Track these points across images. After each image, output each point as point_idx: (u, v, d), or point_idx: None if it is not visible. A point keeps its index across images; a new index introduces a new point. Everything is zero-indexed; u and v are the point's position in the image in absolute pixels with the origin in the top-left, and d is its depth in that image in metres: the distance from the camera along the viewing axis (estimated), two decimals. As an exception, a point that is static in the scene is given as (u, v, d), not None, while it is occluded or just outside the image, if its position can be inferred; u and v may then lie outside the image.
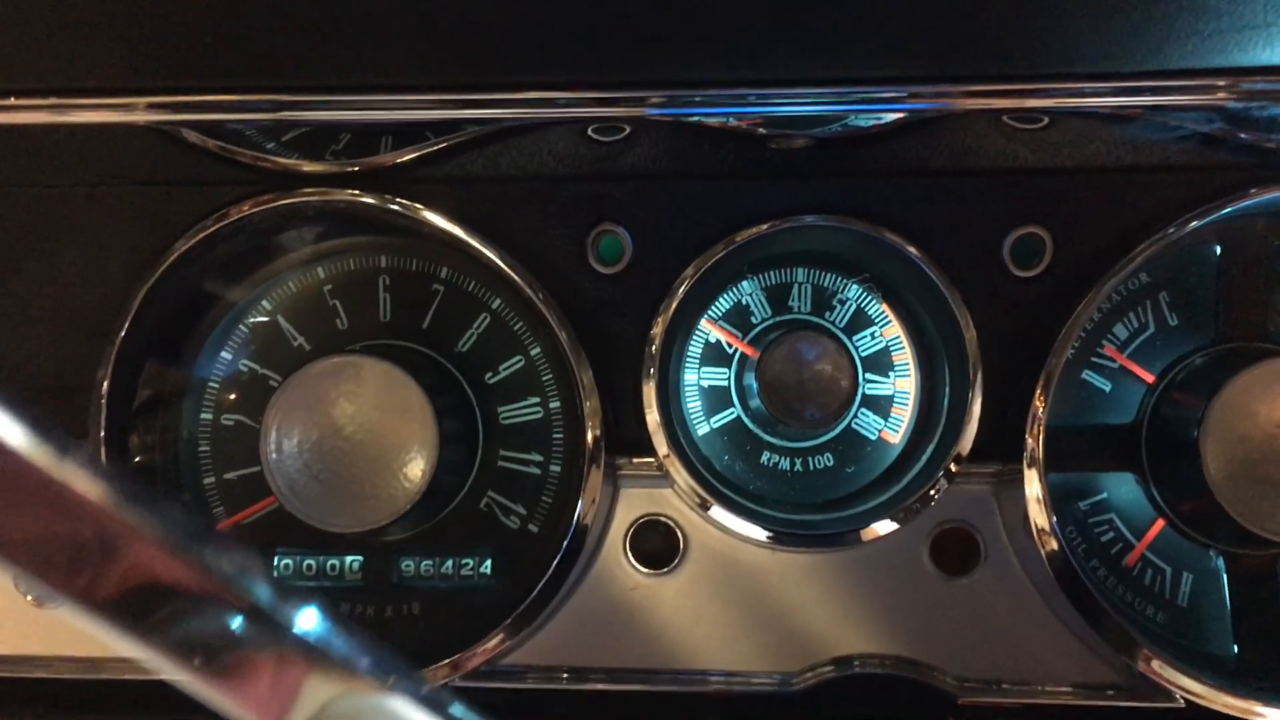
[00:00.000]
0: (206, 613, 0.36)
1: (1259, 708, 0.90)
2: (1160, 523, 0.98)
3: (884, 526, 0.96)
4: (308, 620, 0.38)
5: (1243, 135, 0.86)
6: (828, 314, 1.03)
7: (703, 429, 1.03)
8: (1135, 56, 0.73)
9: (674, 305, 0.93)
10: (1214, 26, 0.71)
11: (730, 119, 0.85)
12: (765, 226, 0.92)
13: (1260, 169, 0.90)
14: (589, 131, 0.89)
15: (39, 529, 0.33)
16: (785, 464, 1.03)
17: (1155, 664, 0.91)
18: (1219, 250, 0.98)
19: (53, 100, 0.80)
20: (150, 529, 0.34)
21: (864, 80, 0.76)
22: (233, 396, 1.03)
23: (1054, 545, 0.91)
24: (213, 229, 0.92)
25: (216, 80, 0.79)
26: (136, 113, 0.81)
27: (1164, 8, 0.72)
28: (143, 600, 0.35)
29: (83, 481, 0.33)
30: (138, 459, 0.98)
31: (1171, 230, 0.90)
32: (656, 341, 0.94)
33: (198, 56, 0.76)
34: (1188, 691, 0.92)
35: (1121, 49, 0.72)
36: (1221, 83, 0.74)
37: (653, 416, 0.94)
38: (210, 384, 1.03)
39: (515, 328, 1.02)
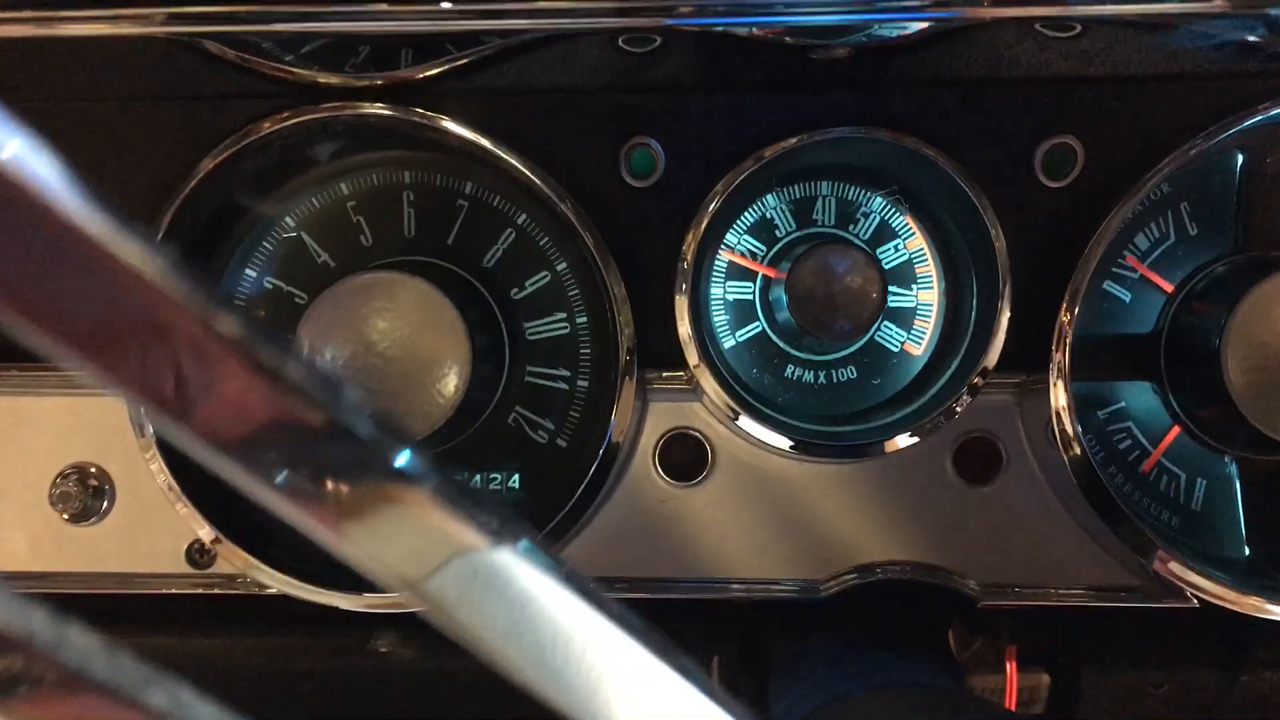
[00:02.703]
0: (316, 442, 0.34)
1: (1269, 605, 0.93)
2: (1176, 430, 1.01)
3: (907, 438, 0.98)
4: (409, 462, 0.35)
5: (1273, 47, 0.86)
6: (851, 227, 1.03)
7: (729, 343, 1.04)
8: None
9: (705, 222, 0.93)
10: None
11: (753, 29, 0.84)
12: (794, 140, 0.92)
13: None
14: (619, 42, 0.88)
15: (113, 321, 0.31)
16: (809, 377, 1.04)
17: (1171, 564, 0.94)
18: (1240, 159, 0.99)
19: (65, 13, 0.78)
20: (241, 338, 0.32)
21: None
22: (258, 314, 1.03)
23: (1077, 450, 0.93)
24: (241, 144, 0.91)
25: None
26: (155, 25, 0.80)
27: None
28: (241, 426, 0.33)
29: (160, 274, 0.31)
30: (170, 377, 0.98)
31: (1200, 140, 0.90)
32: (689, 257, 0.94)
33: None
34: (1201, 590, 0.95)
35: None
36: None
37: (684, 328, 0.95)
38: (235, 301, 1.03)
39: (541, 243, 1.02)
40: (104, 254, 0.31)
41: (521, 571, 0.37)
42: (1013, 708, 1.28)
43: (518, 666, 0.37)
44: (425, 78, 0.90)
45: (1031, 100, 0.92)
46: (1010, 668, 1.30)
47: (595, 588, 0.39)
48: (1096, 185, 0.93)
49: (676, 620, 1.04)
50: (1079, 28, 0.86)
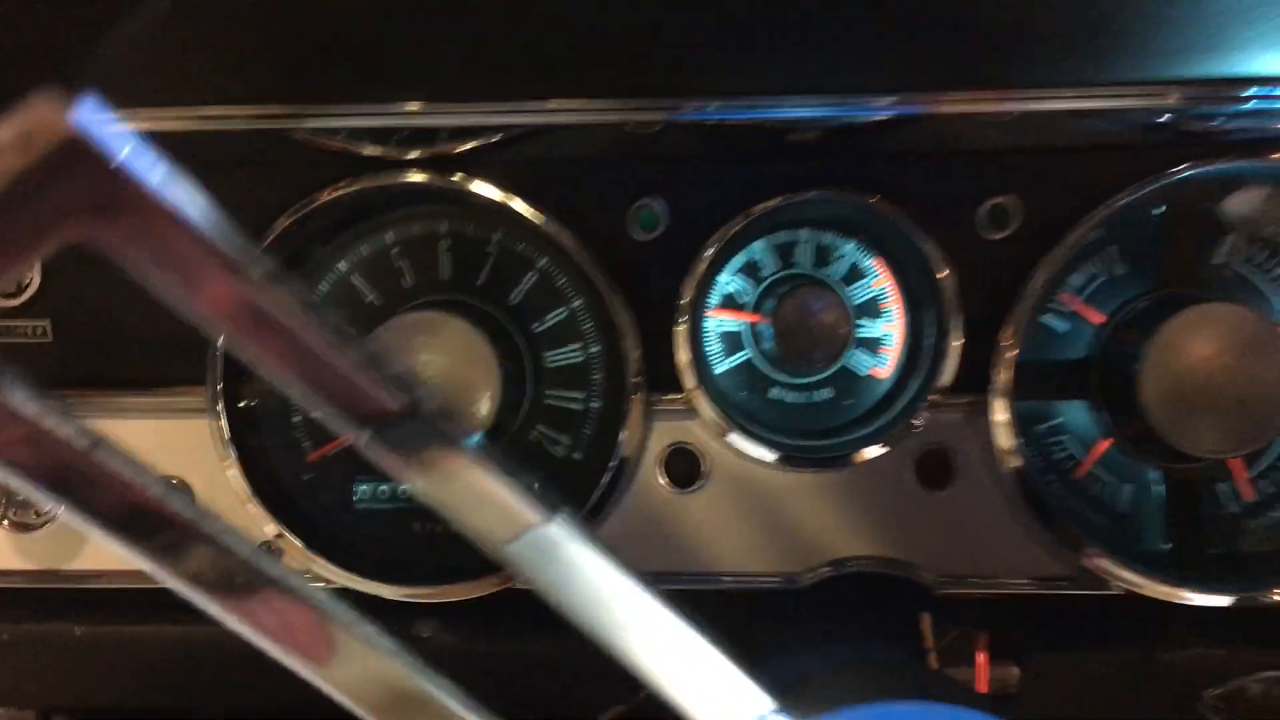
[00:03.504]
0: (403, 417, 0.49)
1: (1181, 591, 1.10)
2: (1107, 442, 1.17)
3: (875, 450, 1.14)
4: (477, 444, 0.51)
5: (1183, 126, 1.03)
6: (826, 268, 1.19)
7: (720, 368, 1.20)
8: (1099, 70, 0.90)
9: (701, 269, 1.10)
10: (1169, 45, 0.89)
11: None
12: (776, 200, 1.08)
13: (1195, 146, 1.07)
14: (627, 128, 1.05)
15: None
16: (791, 398, 1.20)
17: (1097, 560, 1.11)
18: (1162, 209, 1.15)
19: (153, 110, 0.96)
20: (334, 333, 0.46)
21: (863, 89, 0.93)
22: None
23: (1016, 463, 1.10)
24: (312, 206, 1.08)
25: (320, 94, 0.96)
26: (238, 122, 0.98)
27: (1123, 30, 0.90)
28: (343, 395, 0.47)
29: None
30: (244, 404, 1.15)
31: (1120, 198, 1.07)
32: (688, 296, 1.10)
33: (307, 72, 0.93)
34: (1125, 581, 1.11)
35: (1084, 66, 0.90)
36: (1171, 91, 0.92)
37: (682, 356, 1.11)
38: (295, 333, 1.19)
39: (559, 284, 1.18)
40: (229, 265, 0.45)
41: (574, 546, 0.54)
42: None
43: (578, 619, 0.53)
44: (461, 152, 1.07)
45: (974, 168, 1.09)
46: (980, 657, 1.46)
47: (624, 563, 0.55)
48: (1033, 236, 1.09)
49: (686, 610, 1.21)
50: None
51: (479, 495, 0.54)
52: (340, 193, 1.07)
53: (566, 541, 0.54)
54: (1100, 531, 1.17)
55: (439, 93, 0.97)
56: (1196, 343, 1.06)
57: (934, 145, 1.08)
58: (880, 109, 0.97)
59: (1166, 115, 1.02)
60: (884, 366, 1.20)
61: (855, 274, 1.19)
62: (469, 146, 1.06)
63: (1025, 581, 1.16)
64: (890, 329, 1.20)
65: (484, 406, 1.08)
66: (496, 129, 1.03)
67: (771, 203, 1.08)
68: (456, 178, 1.09)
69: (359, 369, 0.48)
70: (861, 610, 1.22)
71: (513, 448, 1.19)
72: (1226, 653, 1.16)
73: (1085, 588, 1.15)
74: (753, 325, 1.19)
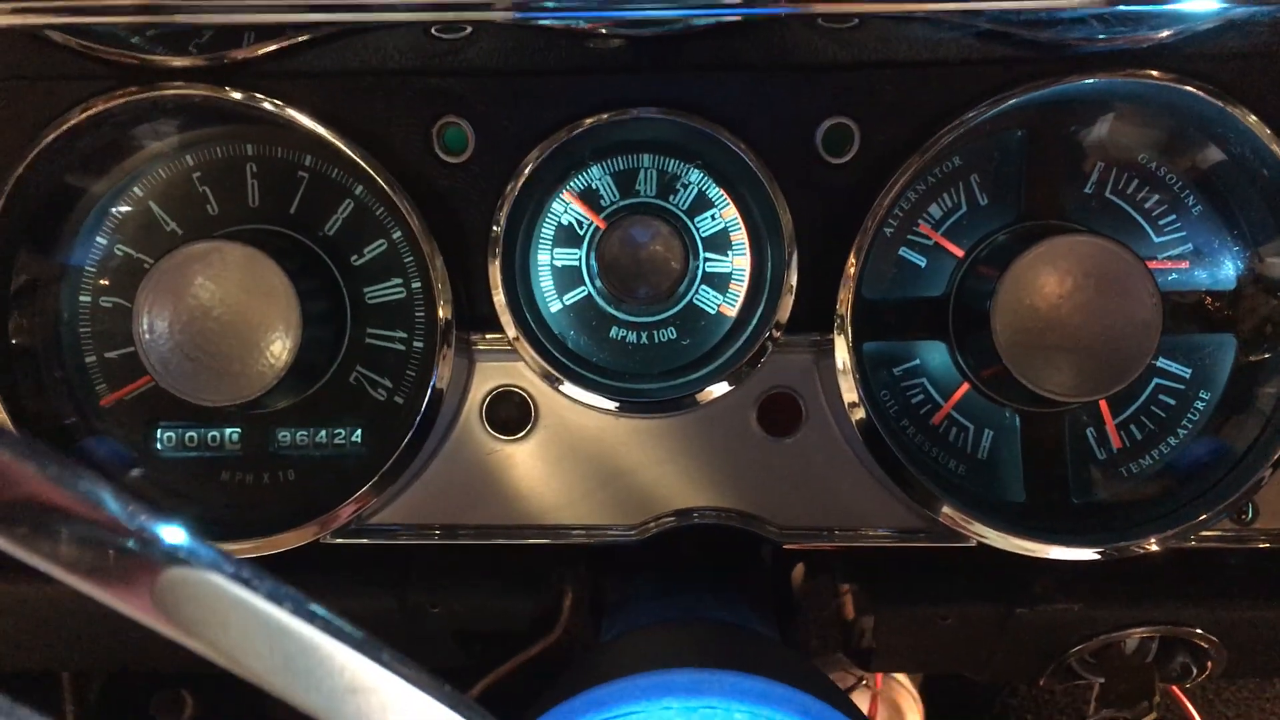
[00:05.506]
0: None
1: (1039, 545, 1.03)
2: (965, 386, 1.09)
3: (717, 389, 1.06)
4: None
5: (1027, 33, 0.93)
6: (672, 197, 1.10)
7: (555, 306, 1.11)
8: None
9: (517, 188, 1.00)
10: None
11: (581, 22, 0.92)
12: (589, 121, 0.99)
13: (1043, 62, 0.98)
14: (432, 30, 0.94)
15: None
16: (632, 337, 1.11)
17: (953, 513, 1.03)
18: (1020, 135, 1.07)
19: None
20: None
21: None
22: (110, 279, 1.09)
23: (861, 414, 1.01)
24: (75, 121, 0.96)
25: None
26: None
27: None
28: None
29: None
30: (16, 340, 1.05)
31: (968, 120, 0.98)
32: (501, 224, 1.01)
33: None
34: (979, 534, 1.04)
35: None
36: None
37: (499, 298, 1.02)
38: (88, 268, 1.09)
39: (377, 213, 1.08)
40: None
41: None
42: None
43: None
44: (246, 59, 0.96)
45: (809, 84, 0.99)
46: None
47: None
48: (875, 161, 1.00)
49: (527, 562, 1.13)
50: (857, 20, 0.93)
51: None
52: (107, 106, 0.96)
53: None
54: (958, 480, 1.10)
55: None
56: (1048, 278, 0.98)
57: (764, 58, 0.98)
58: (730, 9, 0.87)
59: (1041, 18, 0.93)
60: (733, 304, 1.11)
61: (702, 204, 1.10)
62: (247, 55, 0.95)
63: (878, 534, 1.09)
64: (741, 263, 1.11)
65: (282, 345, 0.99)
66: (275, 30, 0.92)
67: (589, 121, 0.99)
68: (230, 91, 0.98)
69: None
70: (728, 565, 1.14)
71: (332, 391, 1.10)
72: (1086, 607, 1.09)
73: (940, 540, 1.07)
74: (588, 258, 1.10)
